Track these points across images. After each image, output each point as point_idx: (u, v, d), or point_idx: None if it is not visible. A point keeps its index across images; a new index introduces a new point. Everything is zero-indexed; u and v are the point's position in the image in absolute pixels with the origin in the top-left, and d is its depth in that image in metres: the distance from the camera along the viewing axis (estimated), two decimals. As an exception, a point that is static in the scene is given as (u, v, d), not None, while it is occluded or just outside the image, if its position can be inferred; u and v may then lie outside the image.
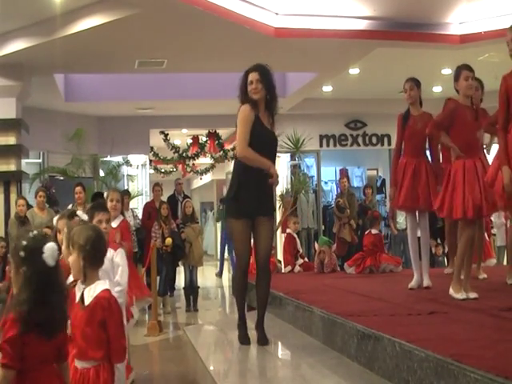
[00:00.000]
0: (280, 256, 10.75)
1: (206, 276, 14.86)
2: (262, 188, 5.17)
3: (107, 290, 2.88)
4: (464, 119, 5.13)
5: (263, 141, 5.16)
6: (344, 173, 15.25)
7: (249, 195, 5.11)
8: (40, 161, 13.34)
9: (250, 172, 5.12)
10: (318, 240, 9.56)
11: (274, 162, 5.20)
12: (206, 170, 17.80)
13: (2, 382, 2.31)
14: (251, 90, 5.16)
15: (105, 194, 7.58)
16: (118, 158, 13.86)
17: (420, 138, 5.91)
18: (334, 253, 8.76)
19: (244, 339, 5.19)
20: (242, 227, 5.16)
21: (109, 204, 5.63)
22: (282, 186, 13.05)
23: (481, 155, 5.31)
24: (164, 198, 10.76)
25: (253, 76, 5.18)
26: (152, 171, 17.17)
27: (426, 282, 5.91)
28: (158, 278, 8.86)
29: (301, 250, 9.60)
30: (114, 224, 5.24)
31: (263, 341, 5.08)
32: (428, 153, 6.15)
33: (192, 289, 9.60)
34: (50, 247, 2.47)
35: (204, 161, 17.43)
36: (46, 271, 2.45)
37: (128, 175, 15.16)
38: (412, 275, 6.03)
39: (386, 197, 15.38)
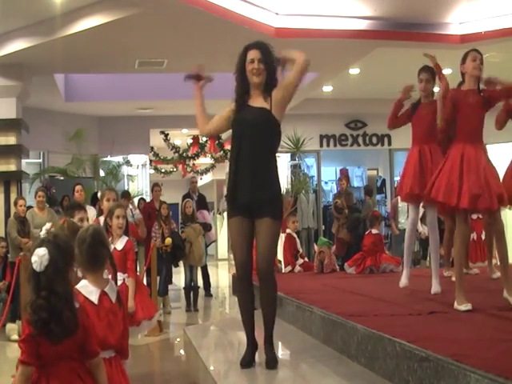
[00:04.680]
0: (280, 256, 10.75)
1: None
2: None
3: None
4: (466, 103, 4.68)
5: (245, 119, 4.42)
6: (344, 173, 15.24)
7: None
8: (40, 161, 13.35)
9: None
10: (318, 241, 9.57)
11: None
12: (206, 170, 17.84)
13: (20, 376, 2.44)
14: (252, 69, 4.26)
15: (99, 194, 7.62)
16: (119, 158, 13.88)
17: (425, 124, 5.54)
18: (333, 253, 8.76)
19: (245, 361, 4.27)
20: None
21: (105, 204, 5.64)
22: (282, 185, 13.04)
23: (482, 144, 4.79)
24: (164, 197, 10.76)
25: (254, 54, 4.27)
26: (152, 171, 17.19)
27: (435, 289, 5.41)
28: (158, 277, 8.87)
29: (301, 250, 9.59)
30: (119, 246, 5.16)
31: (271, 363, 4.18)
32: None
33: (192, 289, 9.60)
34: (37, 252, 2.45)
35: (204, 161, 17.46)
36: (34, 275, 2.45)
37: (128, 175, 15.18)
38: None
39: (386, 197, 15.41)
